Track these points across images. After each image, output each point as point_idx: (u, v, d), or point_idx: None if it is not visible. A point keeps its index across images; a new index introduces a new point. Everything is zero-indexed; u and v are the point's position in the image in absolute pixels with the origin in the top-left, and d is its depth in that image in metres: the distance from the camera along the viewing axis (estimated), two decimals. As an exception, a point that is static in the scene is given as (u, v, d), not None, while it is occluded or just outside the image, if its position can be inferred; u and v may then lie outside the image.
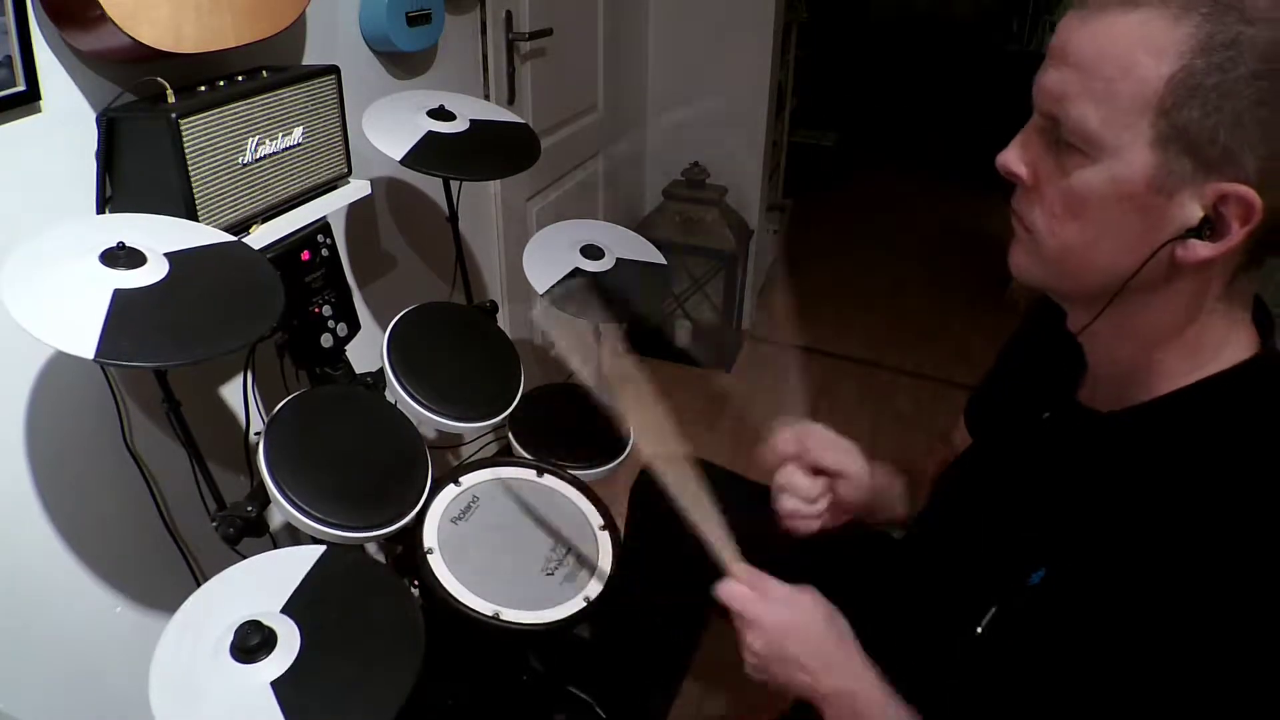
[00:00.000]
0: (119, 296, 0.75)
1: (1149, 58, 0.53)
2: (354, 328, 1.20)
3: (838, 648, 0.76)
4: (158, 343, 0.75)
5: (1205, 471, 0.56)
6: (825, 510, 0.90)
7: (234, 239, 0.92)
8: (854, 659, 0.76)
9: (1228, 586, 0.52)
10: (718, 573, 1.11)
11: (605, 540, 1.11)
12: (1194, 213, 0.55)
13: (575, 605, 1.01)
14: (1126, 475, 0.61)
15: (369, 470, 1.01)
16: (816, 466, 0.89)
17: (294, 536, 1.07)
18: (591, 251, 1.34)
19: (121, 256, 0.78)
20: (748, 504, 1.12)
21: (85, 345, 0.70)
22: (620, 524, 1.18)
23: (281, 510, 0.92)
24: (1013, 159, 0.63)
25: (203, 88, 0.97)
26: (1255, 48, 0.51)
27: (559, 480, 1.19)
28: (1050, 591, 0.62)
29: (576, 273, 1.31)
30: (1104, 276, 0.60)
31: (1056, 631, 0.60)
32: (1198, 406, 0.60)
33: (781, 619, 0.76)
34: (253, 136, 0.99)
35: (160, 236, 0.85)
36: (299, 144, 1.06)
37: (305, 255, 1.11)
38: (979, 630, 0.67)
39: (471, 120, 1.24)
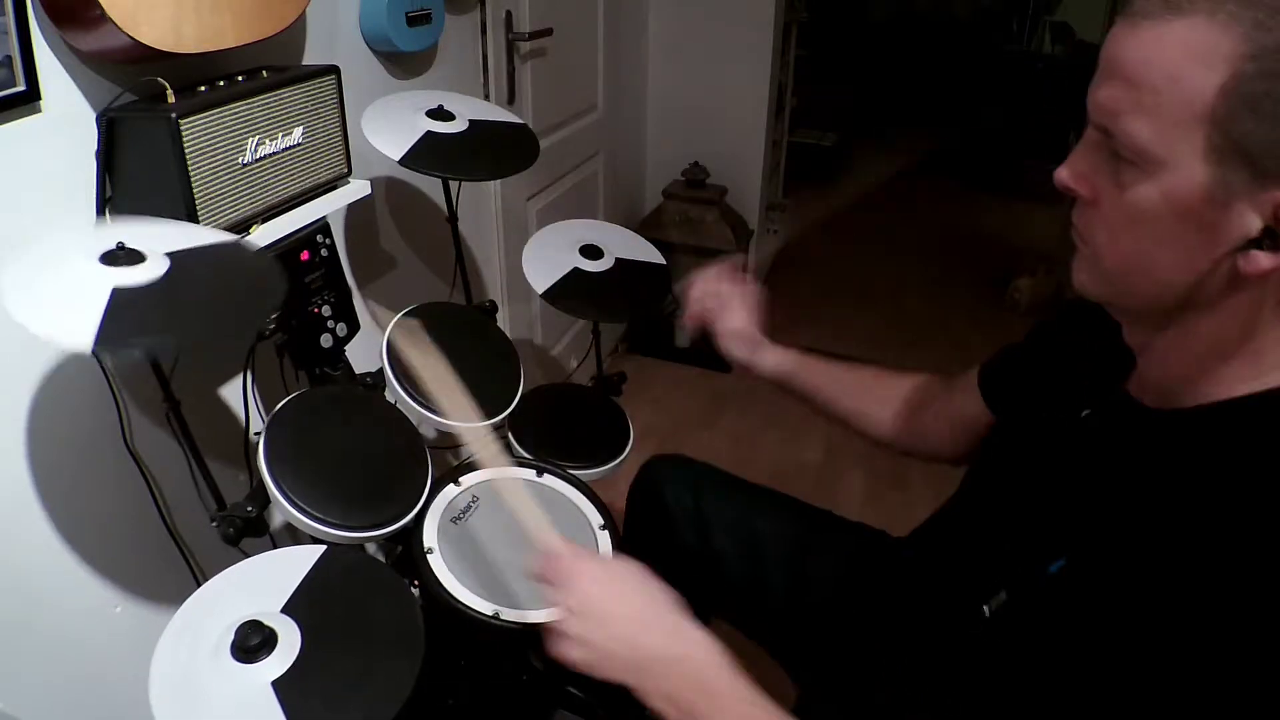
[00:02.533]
0: (118, 294, 0.75)
1: (1198, 67, 0.52)
2: (354, 328, 1.20)
3: (666, 611, 0.70)
4: (155, 336, 0.74)
5: (1259, 481, 0.55)
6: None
7: (235, 237, 0.92)
8: (686, 627, 0.69)
9: (1267, 596, 0.51)
10: (717, 572, 1.11)
11: (605, 540, 1.11)
12: (1254, 223, 0.53)
13: (575, 605, 1.00)
14: (1173, 474, 0.60)
15: (369, 470, 1.01)
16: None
17: (294, 536, 1.07)
18: (591, 251, 1.34)
19: (121, 256, 0.78)
20: (746, 504, 1.13)
21: (82, 339, 0.70)
22: (620, 524, 1.18)
23: (281, 510, 0.92)
24: (1070, 175, 0.62)
25: (203, 88, 0.97)
26: None
27: (559, 480, 1.19)
28: (1069, 582, 0.61)
29: (576, 273, 1.31)
30: (1164, 290, 0.59)
31: (1069, 621, 0.60)
32: (1258, 416, 0.59)
33: (599, 578, 0.71)
34: (253, 136, 0.99)
35: (161, 240, 0.85)
36: (299, 144, 1.06)
37: (305, 255, 1.11)
38: (987, 614, 0.67)
39: (471, 120, 1.24)
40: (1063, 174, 0.62)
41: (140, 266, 0.78)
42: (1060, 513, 0.68)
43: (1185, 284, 0.57)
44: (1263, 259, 0.54)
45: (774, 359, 1.07)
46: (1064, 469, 0.71)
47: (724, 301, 1.07)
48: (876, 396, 1.06)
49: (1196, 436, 0.61)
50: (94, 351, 0.70)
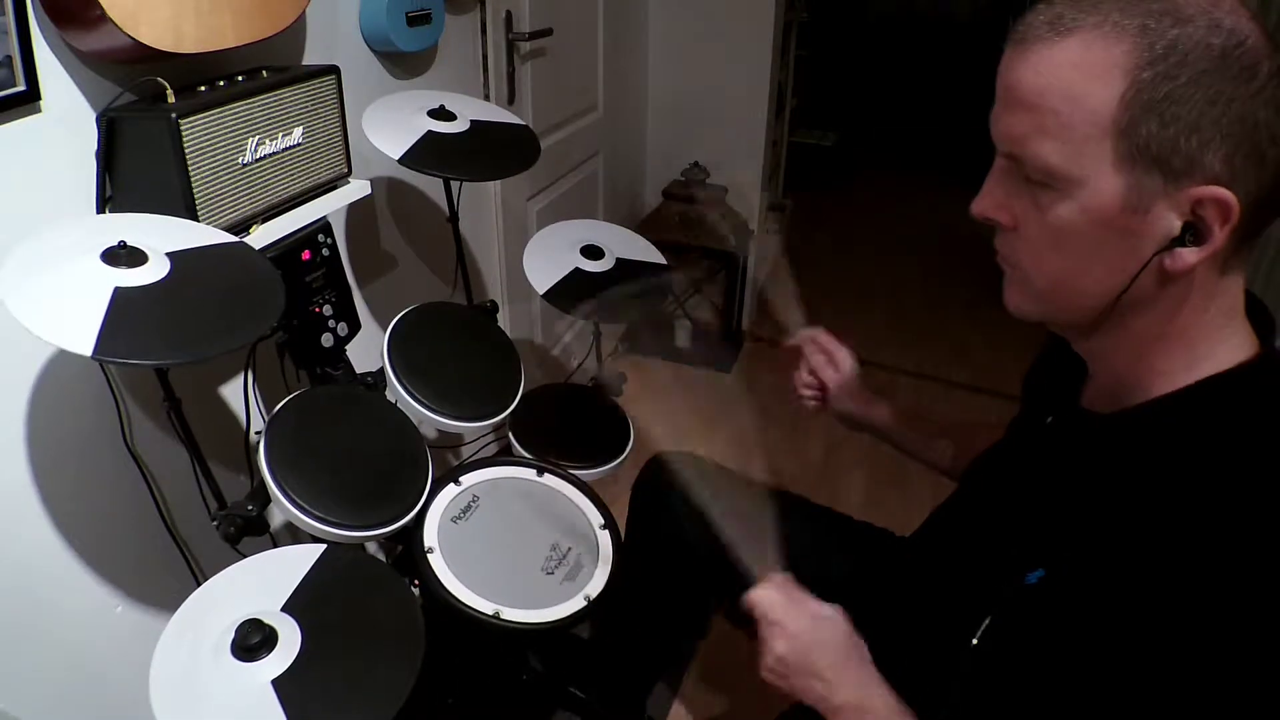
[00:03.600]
0: (119, 295, 0.76)
1: (1096, 82, 0.53)
2: (354, 327, 1.20)
3: (859, 665, 0.76)
4: (156, 341, 0.75)
5: (1205, 472, 0.55)
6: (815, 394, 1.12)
7: (235, 239, 0.92)
8: (873, 678, 0.75)
9: (1220, 587, 0.52)
10: (717, 573, 1.11)
11: (605, 540, 1.11)
12: (1173, 223, 0.55)
13: (575, 605, 1.01)
14: (1123, 475, 0.61)
15: (369, 469, 1.01)
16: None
17: (294, 535, 1.07)
18: (592, 251, 1.34)
19: (123, 255, 0.78)
20: (748, 504, 1.13)
21: (83, 343, 0.70)
22: (620, 524, 1.18)
23: (282, 509, 0.92)
24: (988, 206, 0.63)
25: (203, 88, 0.97)
26: (1196, 48, 0.51)
27: (559, 480, 1.19)
28: (1047, 592, 0.61)
29: (577, 273, 1.31)
30: (1098, 300, 0.60)
31: (1053, 632, 0.60)
32: (1196, 407, 0.60)
33: (810, 627, 0.77)
34: (253, 136, 0.99)
35: (162, 236, 0.85)
36: (299, 144, 1.06)
37: (306, 255, 1.11)
38: (975, 641, 0.67)
39: (472, 121, 1.24)
40: (980, 206, 0.64)
41: (142, 268, 0.79)
42: (1034, 522, 0.68)
43: (1116, 291, 0.58)
44: (1187, 254, 0.55)
45: (883, 414, 1.08)
46: (1031, 479, 0.72)
47: (835, 361, 1.10)
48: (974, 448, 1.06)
49: (1137, 436, 0.62)
50: (94, 358, 0.70)
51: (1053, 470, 0.69)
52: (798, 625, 0.76)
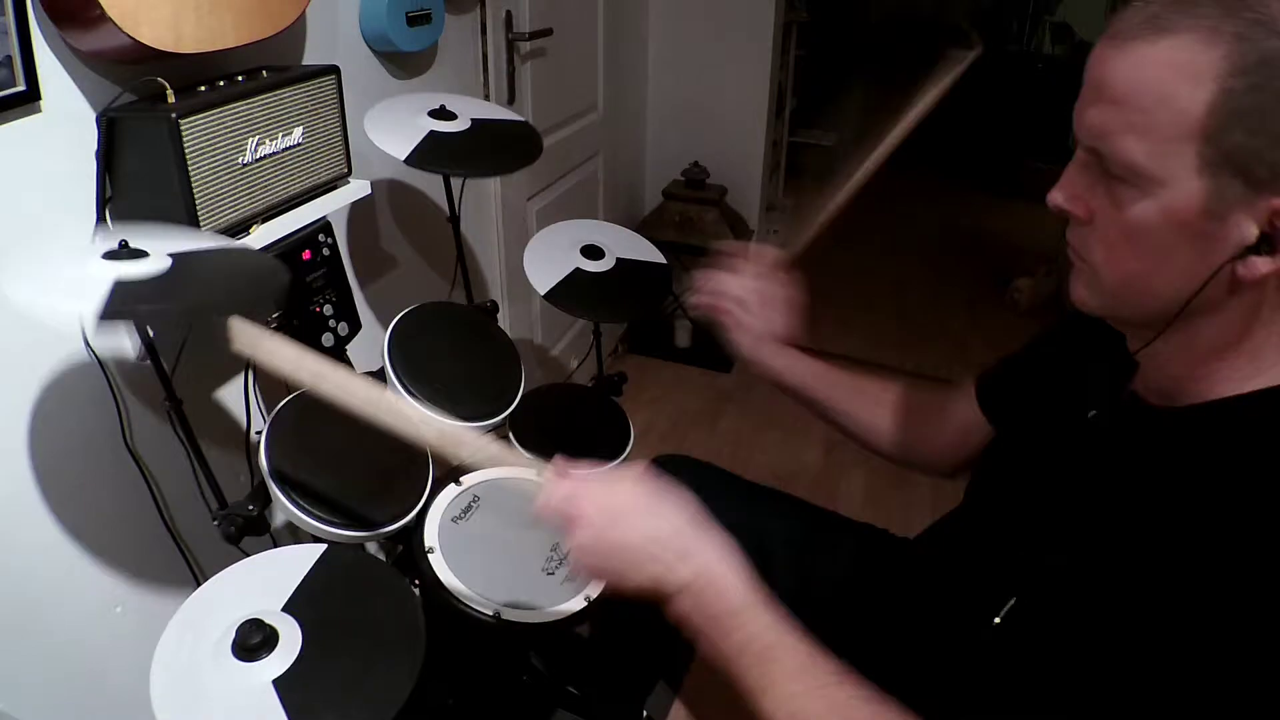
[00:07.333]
0: (119, 285, 0.75)
1: (1186, 85, 0.53)
2: (355, 327, 1.20)
3: (697, 533, 0.68)
4: (156, 308, 0.74)
5: (1255, 476, 0.55)
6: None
7: (238, 244, 0.92)
8: (710, 542, 0.68)
9: (1260, 589, 0.51)
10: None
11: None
12: (1250, 231, 0.55)
13: (575, 605, 1.01)
14: (1175, 469, 0.61)
15: (370, 469, 1.01)
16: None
17: (295, 535, 1.07)
18: (592, 251, 1.34)
19: (123, 253, 0.78)
20: (749, 504, 1.13)
21: (84, 318, 0.70)
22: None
23: (283, 509, 0.92)
24: (1064, 197, 0.63)
25: (203, 88, 0.97)
26: None
27: (559, 480, 1.19)
28: (1075, 577, 0.62)
29: (577, 273, 1.31)
30: (1165, 303, 0.60)
31: (1076, 616, 0.60)
32: (1256, 413, 0.60)
33: (608, 503, 0.69)
34: (253, 136, 0.99)
35: (164, 244, 0.84)
36: (299, 144, 1.06)
37: (306, 255, 1.11)
38: (997, 621, 0.67)
39: (473, 119, 1.24)
40: (1056, 196, 0.63)
41: (142, 261, 0.78)
42: (1066, 510, 0.68)
43: (1185, 294, 0.58)
44: (1261, 264, 0.55)
45: (784, 361, 1.03)
46: (1070, 469, 0.71)
47: (763, 299, 0.99)
48: (878, 405, 1.05)
49: (1198, 433, 0.62)
50: (98, 322, 0.70)
51: (1097, 460, 0.69)
52: (590, 503, 0.68)
